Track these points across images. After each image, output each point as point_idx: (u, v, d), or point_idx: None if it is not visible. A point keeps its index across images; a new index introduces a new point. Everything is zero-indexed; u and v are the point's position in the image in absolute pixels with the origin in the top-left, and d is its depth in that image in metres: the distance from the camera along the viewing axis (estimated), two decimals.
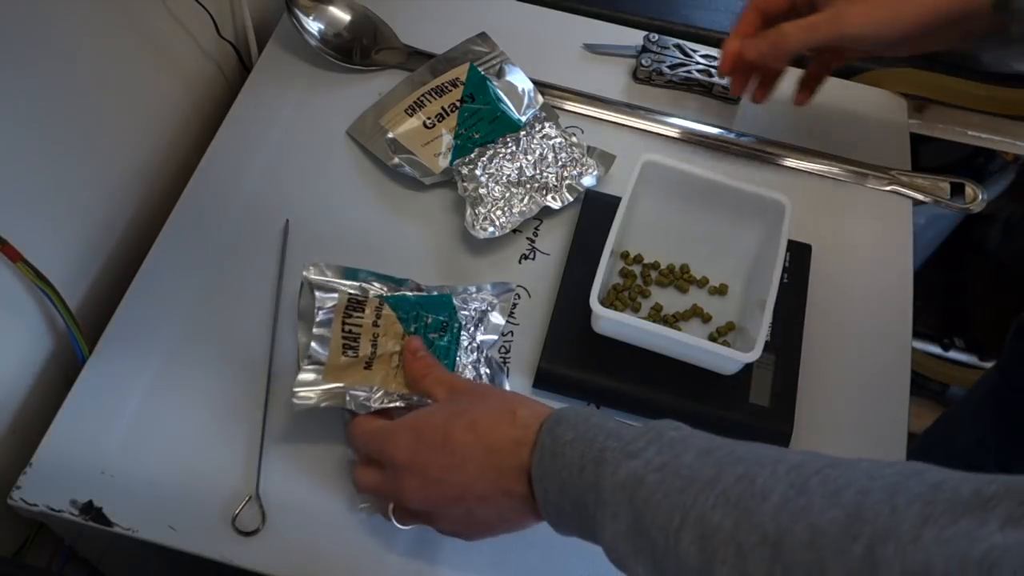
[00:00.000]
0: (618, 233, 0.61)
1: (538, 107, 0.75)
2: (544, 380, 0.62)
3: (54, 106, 0.59)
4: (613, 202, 0.63)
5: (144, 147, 0.71)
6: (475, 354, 0.60)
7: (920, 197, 0.75)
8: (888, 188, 0.76)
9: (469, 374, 0.59)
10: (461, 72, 0.74)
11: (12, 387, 0.60)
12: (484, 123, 0.72)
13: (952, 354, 1.30)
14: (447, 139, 0.71)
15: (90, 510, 0.55)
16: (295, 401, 0.55)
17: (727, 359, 0.58)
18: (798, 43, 0.61)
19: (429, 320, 0.60)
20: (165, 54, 0.71)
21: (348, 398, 0.55)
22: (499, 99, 0.73)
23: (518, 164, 0.69)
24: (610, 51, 0.83)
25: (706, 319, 0.65)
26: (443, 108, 0.72)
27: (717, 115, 0.79)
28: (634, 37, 0.83)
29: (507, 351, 0.64)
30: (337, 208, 0.70)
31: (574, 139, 0.72)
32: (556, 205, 0.69)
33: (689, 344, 0.58)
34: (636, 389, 0.61)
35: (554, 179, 0.70)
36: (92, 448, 0.58)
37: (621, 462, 0.41)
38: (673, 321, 0.65)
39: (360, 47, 0.79)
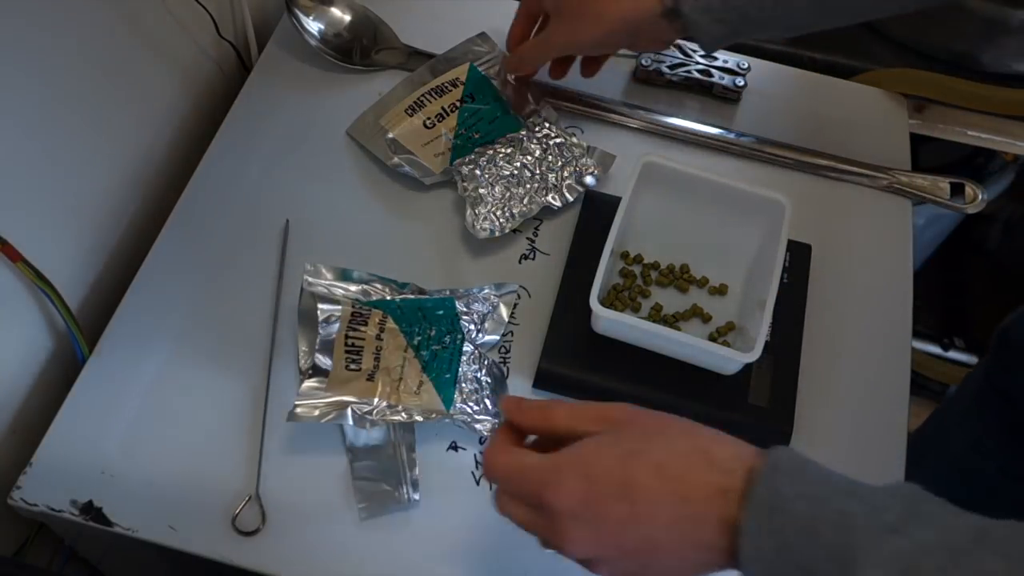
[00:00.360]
0: (618, 233, 0.61)
1: (538, 107, 0.75)
2: (544, 380, 0.62)
3: (54, 106, 0.59)
4: (613, 202, 0.63)
5: (144, 147, 0.71)
6: (477, 364, 0.60)
7: (920, 197, 0.75)
8: (888, 188, 0.76)
9: (471, 385, 0.59)
10: (461, 72, 0.74)
11: (12, 387, 0.60)
12: (484, 123, 0.72)
13: (952, 354, 1.31)
14: (447, 139, 0.71)
15: (90, 510, 0.55)
16: (297, 412, 0.55)
17: (727, 359, 0.58)
18: (533, 62, 0.73)
19: (432, 332, 0.60)
20: (165, 54, 0.71)
21: (350, 412, 0.56)
22: (499, 99, 0.73)
23: (518, 164, 0.69)
24: None
25: (706, 319, 0.65)
26: (443, 108, 0.72)
27: (717, 115, 0.79)
28: None
29: (507, 351, 0.64)
30: (337, 208, 0.70)
31: (574, 139, 0.72)
32: (557, 204, 0.69)
33: (689, 344, 0.58)
34: (636, 389, 0.61)
35: (554, 179, 0.70)
36: (92, 448, 0.58)
37: (881, 537, 0.36)
38: (673, 321, 0.65)
39: (360, 47, 0.79)
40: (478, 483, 0.59)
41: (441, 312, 0.62)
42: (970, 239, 1.30)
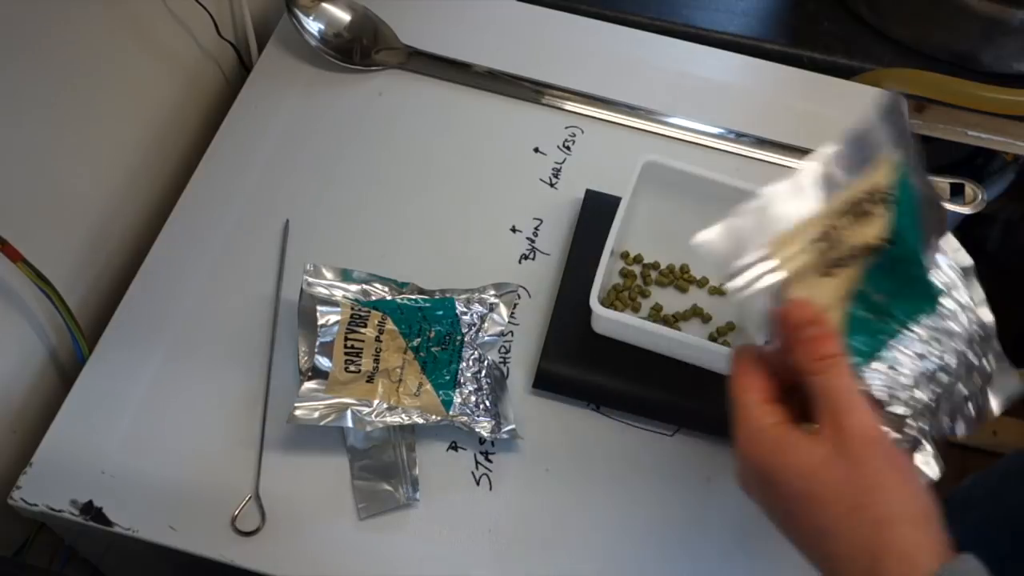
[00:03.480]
0: (618, 233, 0.61)
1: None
2: (544, 380, 0.62)
3: (54, 106, 0.59)
4: (613, 202, 0.63)
5: (144, 147, 0.71)
6: (477, 365, 0.60)
7: None
8: None
9: (470, 386, 0.59)
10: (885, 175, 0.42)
11: (12, 387, 0.60)
12: (895, 281, 0.42)
13: None
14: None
15: (90, 510, 0.55)
16: (297, 414, 0.55)
17: (727, 359, 0.58)
18: None
19: (432, 334, 0.60)
20: (165, 54, 0.71)
21: (349, 413, 0.56)
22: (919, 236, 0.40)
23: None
24: None
25: (706, 319, 0.65)
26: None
27: (717, 115, 0.79)
28: (636, 38, 0.83)
29: (507, 351, 0.64)
30: (337, 208, 0.70)
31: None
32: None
33: (689, 344, 0.58)
34: (636, 389, 0.61)
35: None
36: (92, 448, 0.58)
37: None
38: (673, 321, 0.65)
39: (360, 47, 0.79)
40: (478, 483, 0.59)
41: (441, 312, 0.62)
42: (970, 239, 1.29)
